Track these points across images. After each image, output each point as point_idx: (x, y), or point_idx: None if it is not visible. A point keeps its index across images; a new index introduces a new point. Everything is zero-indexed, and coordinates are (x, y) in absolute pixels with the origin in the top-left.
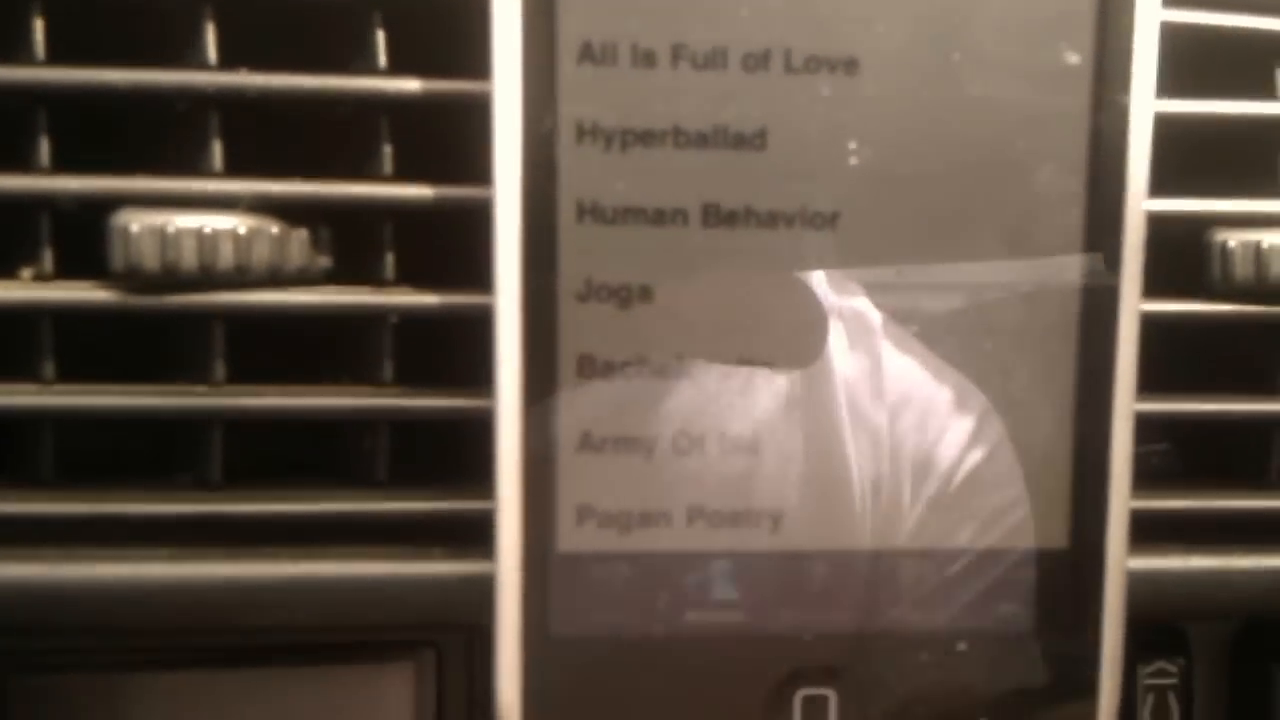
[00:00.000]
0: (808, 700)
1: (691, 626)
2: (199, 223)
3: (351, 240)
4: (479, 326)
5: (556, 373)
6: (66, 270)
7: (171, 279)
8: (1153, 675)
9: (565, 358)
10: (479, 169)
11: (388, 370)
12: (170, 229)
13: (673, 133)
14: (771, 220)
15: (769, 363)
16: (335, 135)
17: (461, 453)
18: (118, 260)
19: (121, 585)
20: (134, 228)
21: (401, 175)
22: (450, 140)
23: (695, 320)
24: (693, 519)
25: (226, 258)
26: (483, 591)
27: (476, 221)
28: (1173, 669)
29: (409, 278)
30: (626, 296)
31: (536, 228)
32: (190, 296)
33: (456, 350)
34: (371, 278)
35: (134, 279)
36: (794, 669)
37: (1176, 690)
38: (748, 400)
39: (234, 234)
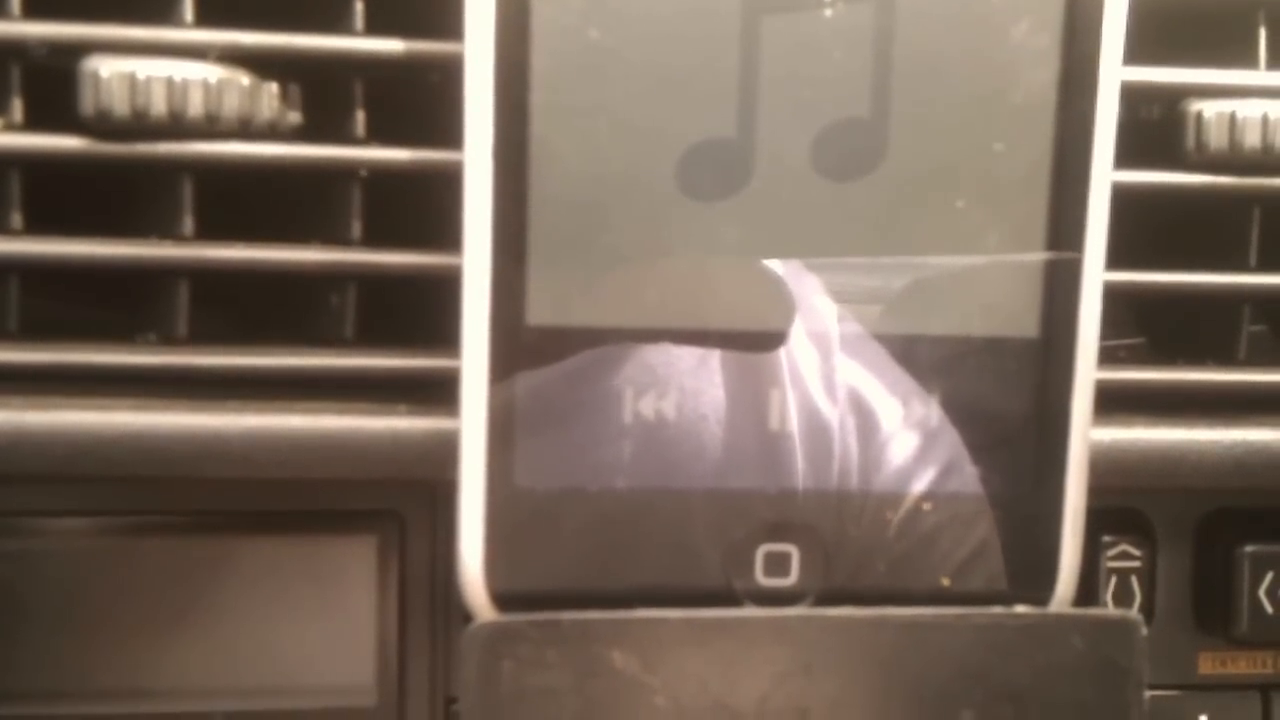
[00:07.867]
0: (770, 556)
1: (655, 480)
2: (170, 70)
3: (322, 105)
4: (446, 194)
5: (526, 230)
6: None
7: (141, 125)
8: (1116, 558)
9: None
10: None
11: (356, 229)
12: (140, 75)
13: None
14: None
15: None
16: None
17: (426, 323)
18: (87, 105)
19: (86, 432)
20: (104, 72)
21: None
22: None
23: None
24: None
25: (196, 106)
26: (448, 446)
27: (446, 86)
28: (1136, 553)
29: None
30: None
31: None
32: (159, 145)
33: (424, 225)
34: (342, 138)
35: (103, 125)
36: (756, 525)
37: (1139, 574)
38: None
39: (204, 83)
